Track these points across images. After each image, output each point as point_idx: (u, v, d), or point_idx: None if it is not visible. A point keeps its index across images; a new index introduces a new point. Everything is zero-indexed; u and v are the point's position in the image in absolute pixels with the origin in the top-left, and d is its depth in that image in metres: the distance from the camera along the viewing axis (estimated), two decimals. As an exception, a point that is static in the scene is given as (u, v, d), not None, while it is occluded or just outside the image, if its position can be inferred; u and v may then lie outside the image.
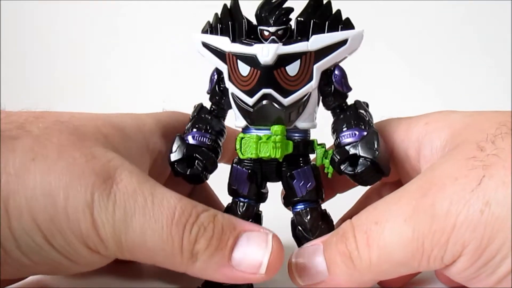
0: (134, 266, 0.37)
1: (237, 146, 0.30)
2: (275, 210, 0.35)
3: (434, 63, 0.77)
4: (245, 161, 0.31)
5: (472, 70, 0.76)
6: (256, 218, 0.33)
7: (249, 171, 0.31)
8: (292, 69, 0.29)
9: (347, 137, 0.30)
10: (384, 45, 0.73)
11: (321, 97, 0.31)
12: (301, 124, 0.30)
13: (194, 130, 0.32)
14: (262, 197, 0.33)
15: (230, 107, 0.32)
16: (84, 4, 0.82)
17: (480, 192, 0.23)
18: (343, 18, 0.29)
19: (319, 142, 0.31)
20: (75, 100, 0.77)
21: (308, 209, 0.31)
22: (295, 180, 0.31)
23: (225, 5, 0.31)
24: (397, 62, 0.77)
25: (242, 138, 0.30)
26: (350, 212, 0.38)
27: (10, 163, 0.24)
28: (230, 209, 0.32)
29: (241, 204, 0.32)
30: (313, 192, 0.31)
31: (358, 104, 0.31)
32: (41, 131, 0.25)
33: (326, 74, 0.30)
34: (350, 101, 0.31)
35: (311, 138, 0.32)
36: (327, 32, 0.29)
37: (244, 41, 0.29)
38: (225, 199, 0.33)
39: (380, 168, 0.29)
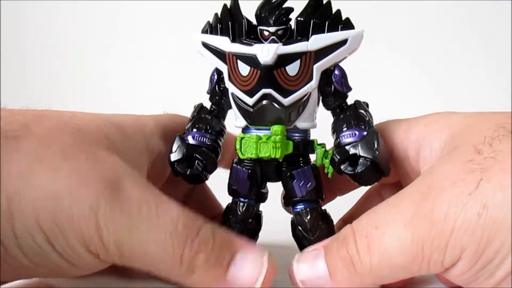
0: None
1: (237, 146, 0.30)
2: (275, 210, 0.35)
3: (434, 63, 0.77)
4: (245, 161, 0.31)
5: (472, 69, 0.76)
6: (256, 218, 0.33)
7: (249, 171, 0.31)
8: (292, 69, 0.29)
9: (347, 137, 0.30)
10: (384, 45, 0.73)
11: (321, 97, 0.31)
12: (301, 124, 0.30)
13: (194, 130, 0.32)
14: (262, 197, 0.33)
15: (230, 107, 0.32)
16: (84, 4, 0.82)
17: (477, 196, 0.23)
18: (343, 18, 0.29)
19: (319, 142, 0.31)
20: (75, 99, 0.77)
21: (308, 209, 0.31)
22: (295, 180, 0.31)
23: (225, 5, 0.31)
24: (397, 62, 0.77)
25: (242, 138, 0.30)
26: (350, 213, 0.38)
27: (15, 163, 0.24)
28: (230, 209, 0.32)
29: (241, 204, 0.32)
30: (313, 192, 0.31)
31: (358, 104, 0.31)
32: (45, 131, 0.25)
33: (326, 74, 0.30)
34: (350, 101, 0.32)
35: (311, 138, 0.32)
36: (327, 32, 0.29)
37: (244, 41, 0.29)
38: (225, 199, 0.33)
39: (380, 168, 0.29)
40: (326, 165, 0.30)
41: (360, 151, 0.29)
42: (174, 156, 0.31)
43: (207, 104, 0.34)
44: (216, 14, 0.31)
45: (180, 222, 0.25)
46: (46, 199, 0.23)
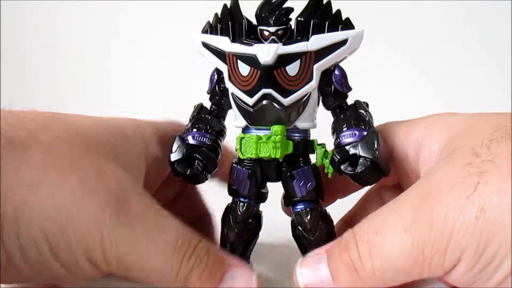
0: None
1: (237, 146, 0.30)
2: (275, 210, 0.35)
3: (435, 63, 0.77)
4: (245, 161, 0.31)
5: (472, 70, 0.76)
6: (256, 218, 0.33)
7: (249, 171, 0.31)
8: (292, 69, 0.29)
9: (347, 137, 0.30)
10: (384, 45, 0.73)
11: (321, 97, 0.31)
12: (301, 124, 0.30)
13: (194, 130, 0.32)
14: (262, 197, 0.33)
15: (230, 107, 0.32)
16: (84, 4, 0.82)
17: (475, 199, 0.23)
18: (343, 18, 0.29)
19: (319, 142, 0.31)
20: (75, 99, 0.77)
21: (308, 209, 0.31)
22: (295, 180, 0.31)
23: (225, 5, 0.31)
24: (397, 62, 0.77)
25: (242, 138, 0.30)
26: (350, 213, 0.38)
27: (23, 174, 0.24)
28: (230, 209, 0.32)
29: (241, 204, 0.32)
30: (313, 192, 0.31)
31: (358, 104, 0.31)
32: (52, 140, 0.26)
33: (326, 74, 0.30)
34: (350, 101, 0.31)
35: (311, 138, 0.32)
36: (327, 32, 0.29)
37: (244, 41, 0.29)
38: (225, 200, 0.33)
39: (380, 168, 0.29)
40: (326, 165, 0.30)
41: (360, 151, 0.29)
42: (174, 156, 0.31)
43: (207, 104, 0.34)
44: (216, 14, 0.31)
45: (179, 237, 0.27)
46: (53, 210, 0.24)
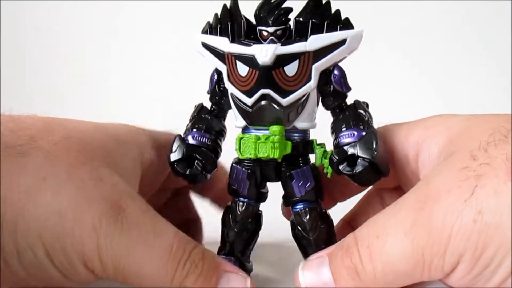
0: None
1: (236, 146, 0.30)
2: (275, 210, 0.35)
3: (435, 63, 0.77)
4: (245, 161, 0.31)
5: (472, 70, 0.76)
6: (256, 217, 0.33)
7: (249, 171, 0.31)
8: (291, 69, 0.29)
9: (346, 137, 0.30)
10: (384, 45, 0.73)
11: (320, 97, 0.31)
12: (300, 124, 0.30)
13: (194, 130, 0.32)
14: (262, 197, 0.33)
15: (230, 107, 0.32)
16: (84, 4, 0.82)
17: (472, 202, 0.23)
18: (343, 18, 0.29)
19: (319, 142, 0.31)
20: (75, 99, 0.78)
21: (307, 209, 0.31)
22: (294, 180, 0.31)
23: (225, 6, 0.31)
24: (397, 62, 0.77)
25: (241, 138, 0.30)
26: (351, 213, 0.38)
27: (21, 181, 0.25)
28: (230, 209, 0.32)
29: (241, 203, 0.32)
30: (312, 192, 0.31)
31: (357, 104, 0.31)
32: (51, 147, 0.26)
33: (326, 74, 0.30)
34: (350, 101, 0.31)
35: (311, 138, 0.32)
36: (326, 32, 0.29)
37: (243, 42, 0.29)
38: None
39: (379, 168, 0.29)
40: (325, 165, 0.30)
41: (358, 151, 0.29)
42: (173, 156, 0.31)
43: (208, 104, 0.34)
44: (216, 15, 0.31)
45: (175, 243, 0.27)
46: (51, 217, 0.25)
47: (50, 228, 0.24)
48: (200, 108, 0.33)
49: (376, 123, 0.32)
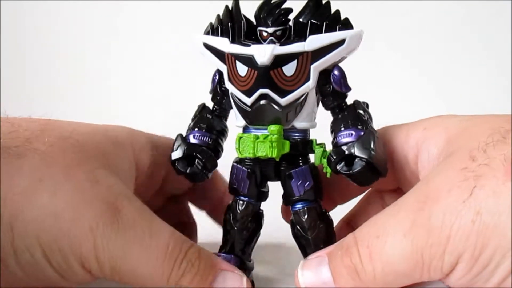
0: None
1: (236, 146, 0.31)
2: (275, 210, 0.35)
3: (435, 63, 0.77)
4: (245, 160, 0.32)
5: (472, 70, 0.76)
6: (257, 216, 0.33)
7: (249, 170, 0.31)
8: (289, 69, 0.29)
9: (344, 137, 0.30)
10: (384, 45, 0.73)
11: (320, 97, 0.31)
12: (299, 124, 0.31)
13: (196, 129, 0.32)
14: (263, 196, 0.33)
15: (232, 107, 0.32)
16: (84, 4, 0.82)
17: (471, 203, 0.24)
18: (342, 18, 0.29)
19: (319, 142, 0.31)
20: (75, 99, 0.78)
21: (306, 208, 0.31)
22: (293, 179, 0.31)
23: (226, 6, 0.31)
24: (397, 62, 0.77)
25: (240, 137, 0.30)
26: (350, 214, 0.38)
27: (18, 182, 0.25)
28: (230, 208, 0.33)
29: (241, 202, 0.32)
30: (311, 192, 0.31)
31: (357, 104, 0.31)
32: (47, 148, 0.26)
33: (325, 74, 0.30)
34: (349, 101, 0.31)
35: (311, 137, 0.32)
36: (325, 32, 0.29)
37: (242, 42, 0.29)
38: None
39: (376, 168, 0.29)
40: (324, 165, 0.30)
41: (355, 151, 0.29)
42: (174, 155, 0.32)
43: (210, 104, 0.34)
44: (218, 16, 0.31)
45: (171, 243, 0.27)
46: (47, 218, 0.25)
47: (47, 229, 0.25)
48: (202, 108, 0.34)
49: (376, 123, 0.32)
